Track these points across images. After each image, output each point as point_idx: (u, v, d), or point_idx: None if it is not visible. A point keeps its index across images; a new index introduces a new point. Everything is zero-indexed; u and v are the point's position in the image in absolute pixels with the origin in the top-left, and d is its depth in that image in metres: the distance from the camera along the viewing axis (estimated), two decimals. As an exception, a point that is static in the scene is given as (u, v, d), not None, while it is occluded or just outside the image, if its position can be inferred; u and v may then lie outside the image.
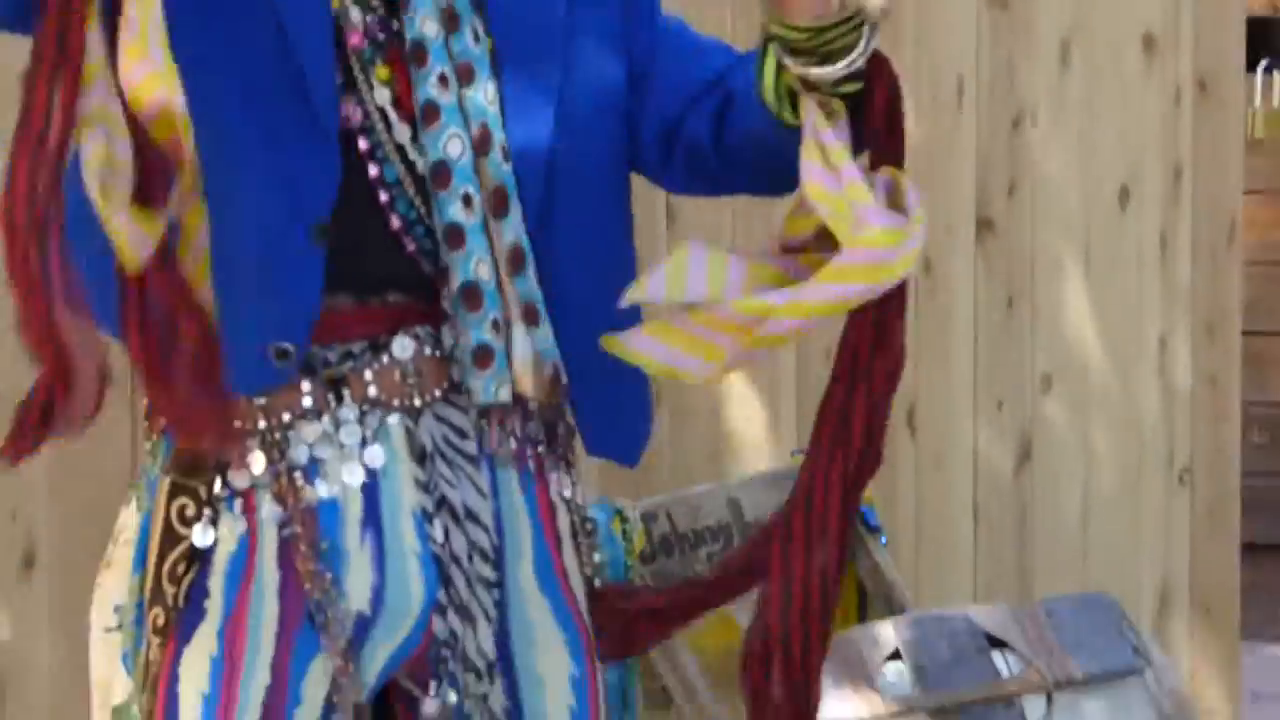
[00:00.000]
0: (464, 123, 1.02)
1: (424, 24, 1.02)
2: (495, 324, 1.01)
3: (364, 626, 1.02)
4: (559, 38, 1.06)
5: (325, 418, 1.00)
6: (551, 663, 1.08)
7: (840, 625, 1.62)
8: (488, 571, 1.03)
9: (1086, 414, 2.68)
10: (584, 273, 1.05)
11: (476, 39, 1.04)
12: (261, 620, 1.00)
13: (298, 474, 1.00)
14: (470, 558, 1.02)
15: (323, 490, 1.00)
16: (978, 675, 1.78)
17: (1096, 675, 1.83)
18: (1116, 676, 1.84)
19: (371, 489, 1.01)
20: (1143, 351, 2.75)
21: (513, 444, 1.05)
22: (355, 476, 1.01)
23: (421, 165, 1.01)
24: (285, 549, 1.01)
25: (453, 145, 1.01)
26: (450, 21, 1.02)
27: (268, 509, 0.99)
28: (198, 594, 0.99)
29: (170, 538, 0.99)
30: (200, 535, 0.99)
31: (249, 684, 1.00)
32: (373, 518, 1.01)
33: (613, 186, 1.09)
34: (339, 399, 1.00)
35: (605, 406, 1.09)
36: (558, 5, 1.06)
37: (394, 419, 1.00)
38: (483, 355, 1.00)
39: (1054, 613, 1.89)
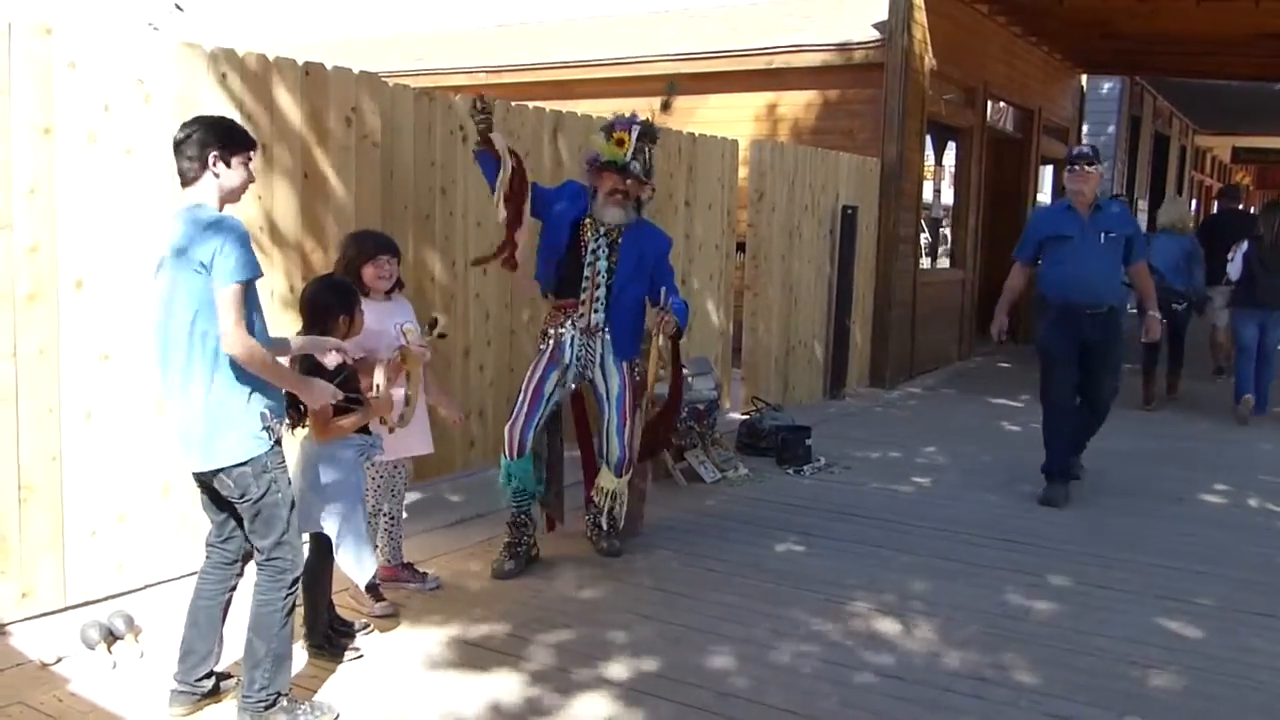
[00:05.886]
0: (607, 267, 5.36)
1: (599, 246, 5.35)
2: (595, 312, 5.39)
3: (565, 367, 5.41)
4: (637, 257, 5.42)
5: (560, 328, 5.46)
6: (614, 380, 5.46)
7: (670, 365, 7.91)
8: (598, 359, 5.46)
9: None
10: (619, 311, 5.45)
11: (609, 252, 5.35)
12: (545, 360, 5.42)
13: (558, 332, 5.43)
14: (590, 355, 5.47)
15: (563, 336, 5.44)
16: (698, 371, 8.08)
17: (701, 372, 8.12)
18: (705, 373, 8.16)
19: (570, 338, 5.42)
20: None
21: (598, 342, 5.42)
22: (567, 336, 5.44)
23: (598, 268, 5.38)
24: (557, 347, 5.41)
25: (600, 264, 5.35)
26: (609, 251, 5.40)
27: (551, 337, 5.45)
28: (541, 353, 5.47)
29: (544, 342, 5.52)
30: (543, 343, 5.51)
31: (538, 371, 5.42)
32: (570, 344, 5.41)
33: (642, 292, 5.52)
34: (564, 323, 5.45)
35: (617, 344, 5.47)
36: (646, 253, 5.43)
37: (574, 328, 5.44)
38: (593, 323, 5.45)
39: (694, 359, 8.23)
